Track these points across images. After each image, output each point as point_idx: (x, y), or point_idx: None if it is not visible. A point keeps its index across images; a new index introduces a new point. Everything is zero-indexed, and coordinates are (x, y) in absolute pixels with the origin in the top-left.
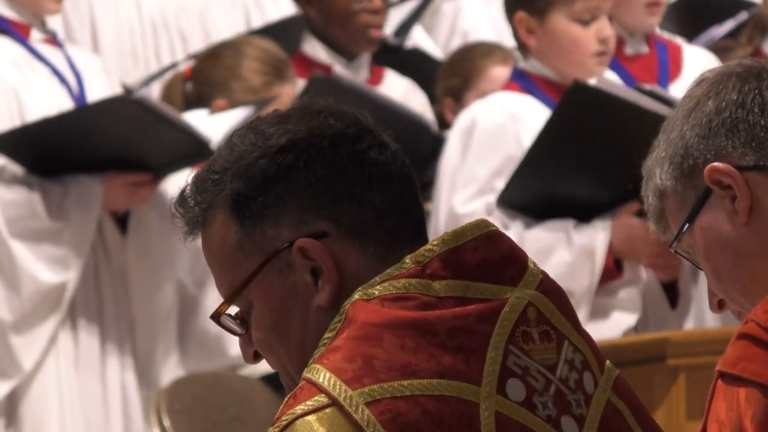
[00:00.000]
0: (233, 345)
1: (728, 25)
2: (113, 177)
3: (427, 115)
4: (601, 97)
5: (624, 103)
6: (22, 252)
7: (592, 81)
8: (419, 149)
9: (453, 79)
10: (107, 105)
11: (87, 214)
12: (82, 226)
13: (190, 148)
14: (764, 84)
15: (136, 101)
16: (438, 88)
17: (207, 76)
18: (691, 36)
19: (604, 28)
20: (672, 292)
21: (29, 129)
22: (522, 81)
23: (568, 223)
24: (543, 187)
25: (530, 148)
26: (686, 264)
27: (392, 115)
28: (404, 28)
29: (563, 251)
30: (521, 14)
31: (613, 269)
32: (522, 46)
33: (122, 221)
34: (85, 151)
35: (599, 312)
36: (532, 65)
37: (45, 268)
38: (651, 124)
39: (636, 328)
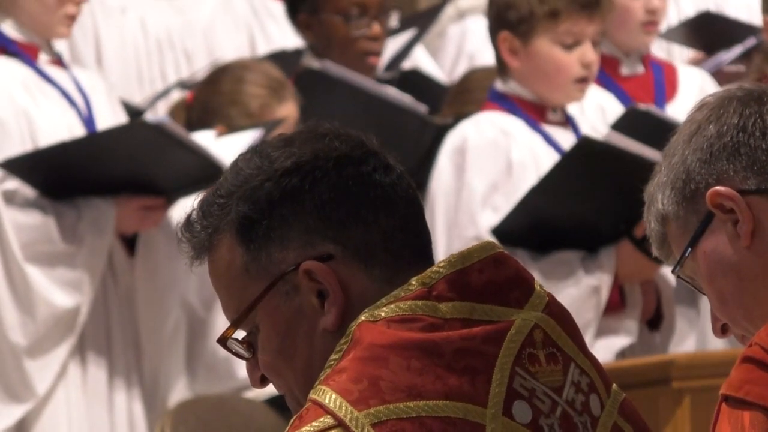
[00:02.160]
0: (242, 367)
1: (736, 51)
2: (126, 200)
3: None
4: (607, 151)
5: (629, 156)
6: (37, 276)
7: (601, 137)
8: (415, 141)
9: (468, 106)
10: (126, 130)
11: (100, 237)
12: (96, 249)
13: (204, 171)
14: (765, 108)
15: (155, 126)
16: (449, 109)
17: (206, 103)
18: (707, 50)
19: (587, 52)
20: (654, 316)
21: (44, 153)
22: (503, 102)
23: (575, 257)
24: (541, 219)
25: (530, 191)
26: (670, 289)
27: (384, 106)
28: (396, 62)
29: (570, 286)
30: (505, 34)
31: (618, 303)
32: (502, 67)
33: (129, 242)
34: (98, 174)
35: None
36: (510, 87)
37: (59, 291)
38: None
39: (623, 353)
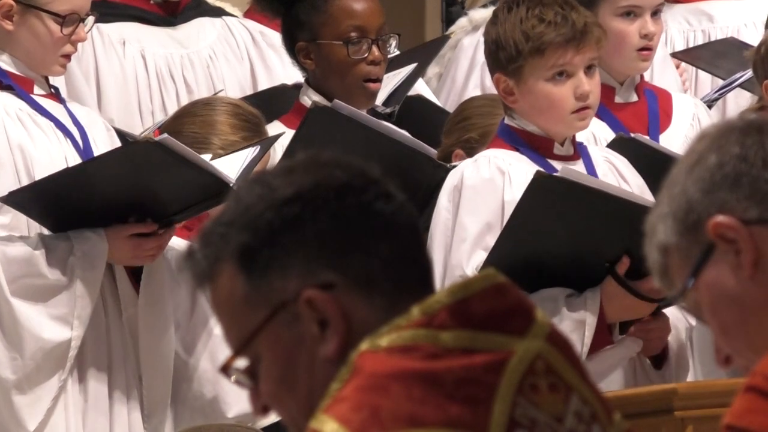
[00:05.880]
0: (230, 409)
1: (740, 78)
2: (116, 230)
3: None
4: (566, 186)
5: (591, 191)
6: (25, 310)
7: (558, 171)
8: (424, 180)
9: (470, 132)
10: (127, 150)
11: (91, 270)
12: (87, 283)
13: (210, 189)
14: (766, 138)
15: (156, 143)
16: (448, 138)
17: (179, 135)
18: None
19: (581, 84)
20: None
21: (45, 183)
22: (508, 137)
23: (560, 294)
24: (524, 259)
25: (501, 232)
26: (682, 333)
27: (394, 146)
28: (395, 98)
29: (555, 322)
30: (498, 75)
31: (607, 336)
32: (505, 105)
33: (135, 273)
34: (99, 200)
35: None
36: (516, 122)
37: (48, 326)
38: (619, 210)
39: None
